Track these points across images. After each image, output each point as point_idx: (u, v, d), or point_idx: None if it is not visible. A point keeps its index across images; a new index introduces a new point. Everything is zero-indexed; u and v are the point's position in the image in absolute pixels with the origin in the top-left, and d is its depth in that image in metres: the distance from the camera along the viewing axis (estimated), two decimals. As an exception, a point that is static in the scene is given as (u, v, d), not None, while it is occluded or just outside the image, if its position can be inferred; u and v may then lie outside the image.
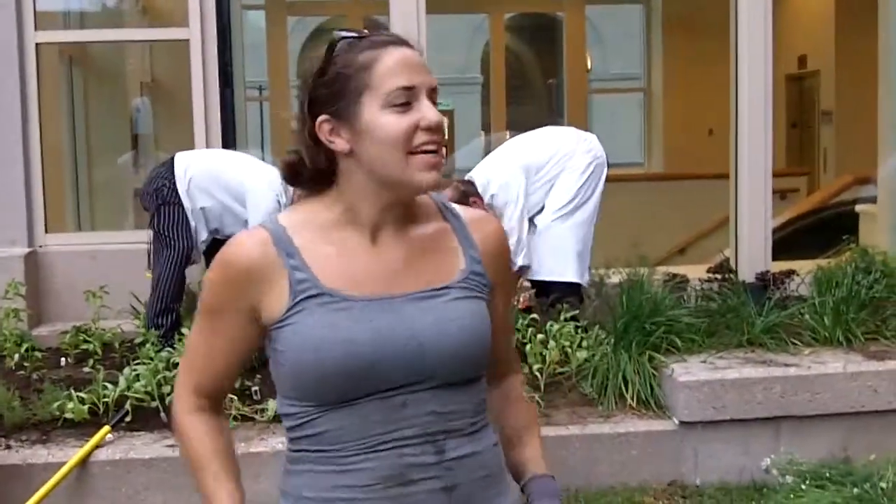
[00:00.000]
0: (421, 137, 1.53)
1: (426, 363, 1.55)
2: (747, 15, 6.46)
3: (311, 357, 1.53)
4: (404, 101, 1.53)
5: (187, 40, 6.35)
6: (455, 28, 18.62)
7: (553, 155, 5.69)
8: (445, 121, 1.58)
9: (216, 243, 5.56)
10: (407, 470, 1.55)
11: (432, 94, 1.56)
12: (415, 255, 1.62)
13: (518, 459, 1.78)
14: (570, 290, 5.51)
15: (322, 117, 1.56)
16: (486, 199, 5.60)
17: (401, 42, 1.57)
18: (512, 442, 1.79)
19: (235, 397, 4.54)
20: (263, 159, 5.93)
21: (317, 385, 1.54)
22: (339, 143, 1.56)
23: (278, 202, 5.30)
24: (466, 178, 5.72)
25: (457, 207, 1.72)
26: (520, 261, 5.57)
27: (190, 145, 6.38)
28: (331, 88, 1.55)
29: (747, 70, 6.47)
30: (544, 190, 5.66)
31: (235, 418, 4.46)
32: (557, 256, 5.55)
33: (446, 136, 1.62)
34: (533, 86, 22.15)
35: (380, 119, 1.52)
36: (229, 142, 6.34)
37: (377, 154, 1.54)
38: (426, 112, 1.53)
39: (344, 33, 1.58)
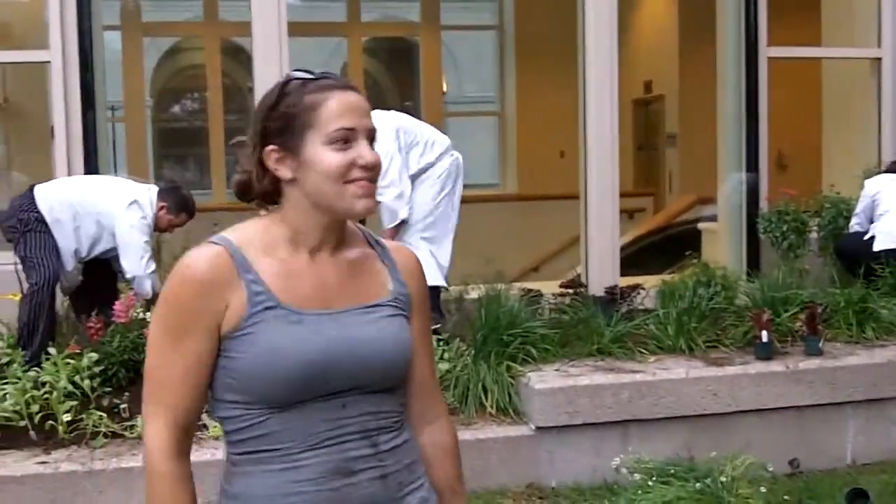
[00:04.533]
0: (356, 173, 1.71)
1: (367, 372, 1.72)
2: (594, 41, 6.78)
3: (267, 364, 1.67)
4: (344, 139, 1.71)
5: (48, 62, 6.31)
6: (313, 50, 18.70)
7: (422, 129, 5.86)
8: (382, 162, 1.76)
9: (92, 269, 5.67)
10: (350, 462, 1.72)
11: (370, 136, 1.74)
12: (349, 275, 1.78)
13: None
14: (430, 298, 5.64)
15: (270, 147, 1.73)
16: None
17: (346, 87, 1.75)
18: (443, 497, 1.96)
19: (105, 414, 4.59)
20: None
21: (269, 389, 1.67)
22: (283, 171, 1.73)
23: (144, 220, 5.45)
24: None
25: (378, 237, 1.90)
26: (402, 214, 5.67)
27: (46, 166, 6.32)
28: (280, 122, 1.73)
29: (594, 94, 6.78)
30: (416, 162, 5.76)
31: (105, 435, 4.50)
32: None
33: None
34: (390, 108, 22.34)
35: (321, 154, 1.71)
36: (91, 164, 6.30)
37: (317, 183, 1.72)
38: (363, 151, 1.72)
39: (297, 74, 1.76)
